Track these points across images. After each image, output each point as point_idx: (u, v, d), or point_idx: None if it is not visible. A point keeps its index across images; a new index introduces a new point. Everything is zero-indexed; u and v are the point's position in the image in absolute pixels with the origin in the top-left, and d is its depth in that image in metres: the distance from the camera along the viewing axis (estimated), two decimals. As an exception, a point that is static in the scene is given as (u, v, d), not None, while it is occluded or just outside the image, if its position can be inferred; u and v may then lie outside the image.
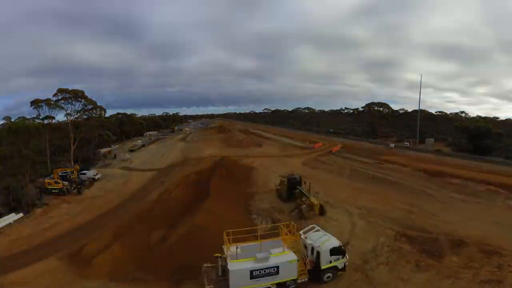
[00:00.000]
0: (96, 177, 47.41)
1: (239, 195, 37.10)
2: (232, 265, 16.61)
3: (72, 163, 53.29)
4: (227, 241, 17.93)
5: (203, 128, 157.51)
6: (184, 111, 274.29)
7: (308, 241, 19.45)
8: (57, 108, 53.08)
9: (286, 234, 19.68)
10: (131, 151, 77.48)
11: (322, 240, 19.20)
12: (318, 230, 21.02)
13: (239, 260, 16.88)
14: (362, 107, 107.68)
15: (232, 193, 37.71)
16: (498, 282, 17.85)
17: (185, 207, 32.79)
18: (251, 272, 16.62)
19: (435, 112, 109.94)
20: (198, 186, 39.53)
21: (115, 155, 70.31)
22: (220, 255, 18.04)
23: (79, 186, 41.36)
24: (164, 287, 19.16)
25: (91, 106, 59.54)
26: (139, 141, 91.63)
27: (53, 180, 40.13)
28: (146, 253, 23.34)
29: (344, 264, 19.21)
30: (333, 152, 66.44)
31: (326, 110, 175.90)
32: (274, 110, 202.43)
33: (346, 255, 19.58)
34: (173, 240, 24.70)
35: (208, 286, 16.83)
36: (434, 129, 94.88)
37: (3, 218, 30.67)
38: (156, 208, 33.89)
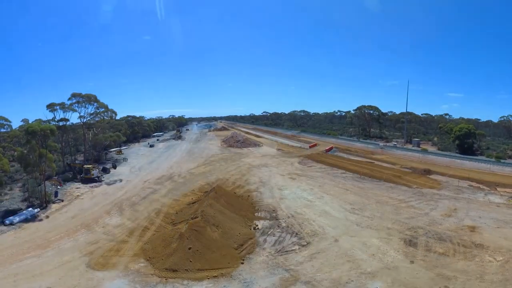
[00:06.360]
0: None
1: (240, 191, 37.14)
2: None
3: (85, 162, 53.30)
4: None
5: (207, 130, 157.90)
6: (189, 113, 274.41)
7: None
8: (71, 111, 53.12)
9: None
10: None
11: None
12: None
13: None
14: (353, 110, 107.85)
15: (233, 190, 37.77)
16: (481, 272, 17.87)
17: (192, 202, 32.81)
18: None
19: (422, 114, 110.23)
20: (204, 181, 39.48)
21: (124, 154, 70.08)
22: None
23: None
24: (174, 281, 18.96)
25: (103, 109, 59.49)
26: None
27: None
28: (157, 246, 23.21)
29: None
30: (326, 152, 66.49)
31: (320, 112, 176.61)
32: (272, 113, 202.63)
33: None
34: (179, 235, 24.61)
35: None
36: (420, 130, 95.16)
37: (21, 213, 30.61)
38: (165, 204, 33.90)
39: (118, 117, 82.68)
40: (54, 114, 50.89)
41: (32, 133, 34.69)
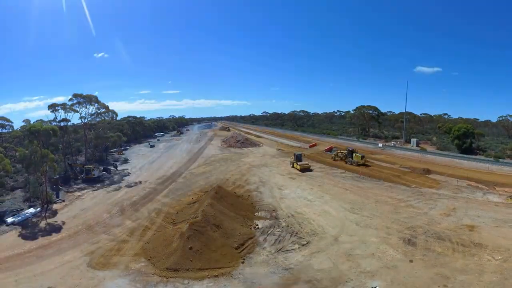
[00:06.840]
0: None
1: (240, 191, 37.13)
2: None
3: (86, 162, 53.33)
4: None
5: (207, 130, 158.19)
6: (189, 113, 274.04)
7: None
8: (72, 112, 53.09)
9: None
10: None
11: None
12: None
13: None
14: (353, 110, 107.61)
15: (233, 190, 37.75)
16: (479, 271, 17.85)
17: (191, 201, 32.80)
18: None
19: (420, 114, 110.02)
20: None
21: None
22: None
23: None
24: (175, 281, 18.94)
25: (104, 109, 59.46)
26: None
27: None
28: (158, 246, 23.20)
29: None
30: (326, 151, 66.43)
31: (320, 112, 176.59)
32: (272, 113, 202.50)
33: None
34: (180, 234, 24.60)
35: None
36: (419, 130, 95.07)
37: (23, 213, 30.64)
38: (166, 204, 33.90)
39: (118, 118, 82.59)
40: (55, 115, 50.95)
41: (35, 133, 34.72)
